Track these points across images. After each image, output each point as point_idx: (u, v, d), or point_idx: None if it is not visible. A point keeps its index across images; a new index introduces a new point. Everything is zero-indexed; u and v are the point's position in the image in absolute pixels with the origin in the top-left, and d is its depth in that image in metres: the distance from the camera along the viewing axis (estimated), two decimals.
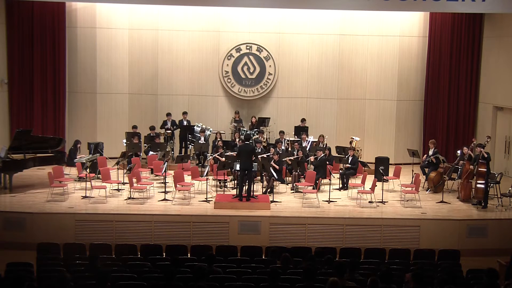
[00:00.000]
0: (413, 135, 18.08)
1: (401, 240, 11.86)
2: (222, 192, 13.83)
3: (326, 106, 18.07)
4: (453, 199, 13.79)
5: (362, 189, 13.68)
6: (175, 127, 17.03)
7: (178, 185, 13.51)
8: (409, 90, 17.94)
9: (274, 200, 13.21)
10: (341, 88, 18.00)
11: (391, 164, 15.65)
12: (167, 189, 13.47)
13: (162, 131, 16.84)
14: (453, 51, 17.40)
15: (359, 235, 11.94)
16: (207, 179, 13.47)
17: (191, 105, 17.93)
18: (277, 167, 14.17)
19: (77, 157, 15.21)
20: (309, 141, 16.19)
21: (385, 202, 13.35)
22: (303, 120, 17.28)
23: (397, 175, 14.73)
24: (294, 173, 14.52)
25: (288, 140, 16.33)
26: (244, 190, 12.92)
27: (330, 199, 13.34)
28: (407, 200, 13.49)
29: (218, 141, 15.73)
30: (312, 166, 14.79)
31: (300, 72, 18.00)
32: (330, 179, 13.74)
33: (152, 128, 16.48)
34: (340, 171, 15.07)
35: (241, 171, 12.92)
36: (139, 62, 17.78)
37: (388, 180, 14.66)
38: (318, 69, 17.96)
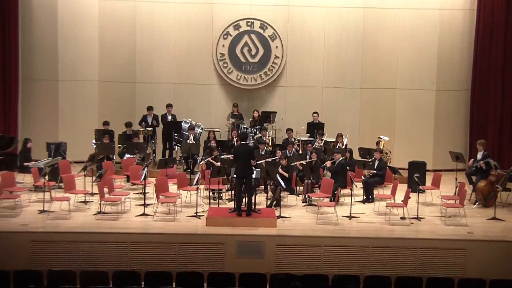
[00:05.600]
0: (457, 134, 18.07)
1: (441, 267, 11.80)
2: (216, 205, 13.82)
3: (346, 98, 18.11)
4: (509, 215, 13.73)
5: (392, 201, 13.66)
6: (155, 122, 16.97)
7: (160, 196, 13.49)
8: (451, 77, 17.95)
9: (281, 215, 13.18)
10: (366, 75, 18.03)
11: (428, 171, 15.72)
12: (147, 202, 13.47)
13: (141, 128, 16.83)
14: (508, 27, 17.36)
15: (389, 260, 11.91)
16: (197, 188, 13.47)
17: (178, 95, 17.97)
18: (285, 174, 14.12)
19: (32, 160, 15.19)
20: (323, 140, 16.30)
21: (421, 218, 13.31)
22: (315, 114, 17.29)
23: (436, 184, 14.74)
24: (306, 181, 14.49)
25: (296, 140, 16.38)
26: (243, 203, 12.90)
27: (352, 215, 13.32)
28: (449, 216, 13.45)
29: (211, 141, 15.72)
30: (329, 173, 14.76)
31: (314, 55, 18.02)
32: (351, 189, 13.73)
33: (128, 124, 16.52)
34: (364, 178, 15.05)
35: (238, 178, 12.88)
36: (112, 41, 17.82)
37: (425, 191, 14.65)
38: (336, 51, 17.98)
